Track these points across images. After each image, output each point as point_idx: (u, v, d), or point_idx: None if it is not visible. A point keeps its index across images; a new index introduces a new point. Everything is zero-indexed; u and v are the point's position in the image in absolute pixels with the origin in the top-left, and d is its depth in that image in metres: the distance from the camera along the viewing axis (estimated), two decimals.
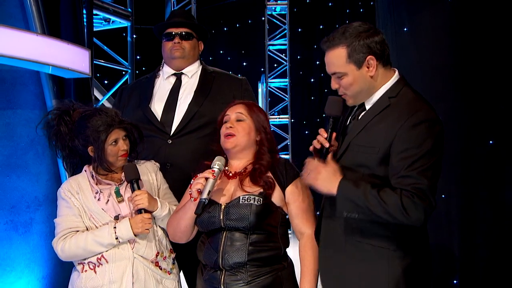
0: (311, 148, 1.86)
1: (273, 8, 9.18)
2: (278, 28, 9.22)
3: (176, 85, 2.51)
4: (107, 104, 5.23)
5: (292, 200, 1.96)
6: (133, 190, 2.00)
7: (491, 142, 2.95)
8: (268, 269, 1.90)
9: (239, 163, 2.01)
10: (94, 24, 4.65)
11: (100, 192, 2.05)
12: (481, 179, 3.02)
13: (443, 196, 3.30)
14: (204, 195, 1.83)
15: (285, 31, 9.15)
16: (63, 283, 3.34)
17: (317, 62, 9.02)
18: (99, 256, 2.00)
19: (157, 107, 2.46)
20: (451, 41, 3.30)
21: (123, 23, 5.63)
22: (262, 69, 9.25)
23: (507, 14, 2.90)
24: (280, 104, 9.17)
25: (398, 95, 1.73)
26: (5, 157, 3.36)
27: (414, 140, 1.62)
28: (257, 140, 2.03)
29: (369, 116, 1.75)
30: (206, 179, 1.85)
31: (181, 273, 2.36)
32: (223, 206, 1.90)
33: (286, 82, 9.13)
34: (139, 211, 1.99)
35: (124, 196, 2.05)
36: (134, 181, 2.01)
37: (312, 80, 9.15)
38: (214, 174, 1.86)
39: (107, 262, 2.00)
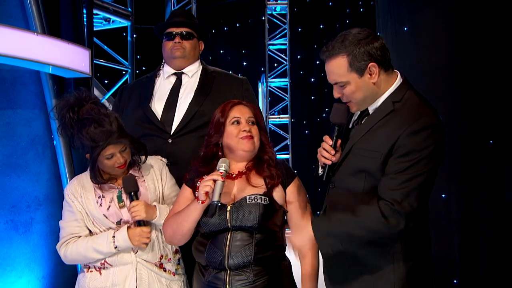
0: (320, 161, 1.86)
1: (273, 8, 9.18)
2: (278, 27, 9.21)
3: (177, 84, 2.51)
4: (107, 104, 5.22)
5: (292, 199, 1.99)
6: (131, 201, 1.99)
7: (491, 141, 2.95)
8: (271, 268, 1.91)
9: (241, 164, 2.02)
10: (94, 24, 4.64)
11: (102, 197, 2.04)
12: (481, 179, 3.02)
13: (443, 195, 3.30)
14: (216, 198, 1.80)
15: (285, 31, 9.15)
16: (63, 282, 3.34)
17: (317, 62, 9.01)
18: (103, 261, 2.01)
19: (158, 106, 2.45)
20: (451, 41, 3.29)
21: (123, 22, 5.62)
22: (262, 69, 9.25)
23: (507, 14, 2.89)
24: (280, 104, 9.17)
25: (402, 99, 1.72)
26: (5, 157, 3.36)
27: (415, 146, 1.62)
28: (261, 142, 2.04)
29: (372, 121, 1.74)
30: (215, 181, 1.83)
31: None
32: (229, 207, 1.90)
33: (286, 81, 9.13)
34: (137, 222, 1.98)
35: (126, 202, 2.03)
36: (133, 193, 1.98)
37: (312, 79, 9.15)
38: (223, 176, 1.84)
39: (111, 266, 2.01)
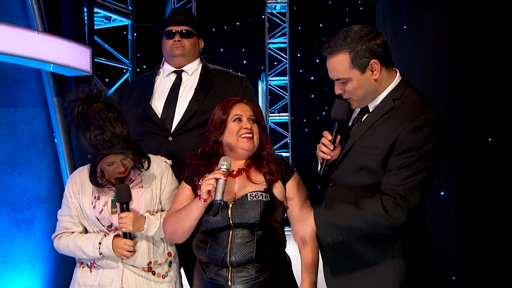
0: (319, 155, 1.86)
1: (273, 7, 9.17)
2: (278, 26, 9.20)
3: (177, 82, 2.51)
4: None
5: (292, 195, 1.99)
6: (121, 211, 1.97)
7: (490, 140, 2.95)
8: (272, 264, 1.91)
9: (240, 162, 2.01)
10: (95, 22, 4.64)
11: (98, 199, 2.03)
12: (480, 177, 3.02)
13: (442, 193, 3.30)
14: (219, 196, 1.80)
15: (285, 30, 9.14)
16: (64, 279, 3.34)
17: (317, 60, 9.00)
18: (92, 260, 2.03)
19: (158, 104, 2.45)
20: (451, 39, 3.29)
21: (123, 21, 5.62)
22: (262, 67, 9.25)
23: (507, 13, 2.89)
24: (280, 102, 9.16)
25: (402, 96, 1.72)
26: (7, 155, 3.36)
27: (416, 142, 1.63)
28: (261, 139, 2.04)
29: (373, 118, 1.74)
30: (217, 180, 1.83)
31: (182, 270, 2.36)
32: (230, 204, 1.90)
33: (286, 80, 9.12)
34: (124, 234, 1.97)
35: (118, 209, 2.00)
36: (124, 204, 1.97)
37: (312, 78, 9.14)
38: (225, 175, 1.84)
39: (100, 266, 2.03)
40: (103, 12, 5.34)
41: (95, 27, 4.75)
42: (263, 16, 9.19)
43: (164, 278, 2.05)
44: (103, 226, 2.01)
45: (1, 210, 3.31)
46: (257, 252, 1.87)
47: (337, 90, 1.77)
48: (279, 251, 1.95)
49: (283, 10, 9.16)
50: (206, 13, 9.43)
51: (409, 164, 1.62)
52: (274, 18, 9.21)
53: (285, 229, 2.03)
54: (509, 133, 2.87)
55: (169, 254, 2.11)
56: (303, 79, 9.26)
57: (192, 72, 2.54)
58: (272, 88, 9.19)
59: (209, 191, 1.82)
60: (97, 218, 2.01)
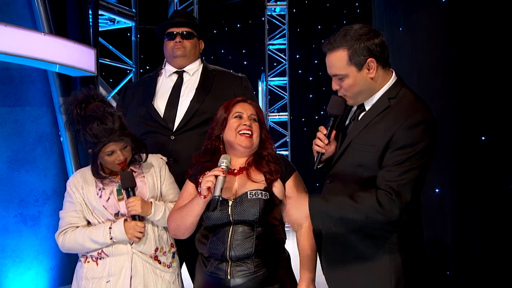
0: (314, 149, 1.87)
1: (273, 9, 9.17)
2: (277, 28, 9.20)
3: (178, 82, 2.50)
4: (112, 102, 5.21)
5: (291, 193, 1.98)
6: (128, 196, 2.00)
7: (483, 138, 2.94)
8: (271, 260, 1.91)
9: (241, 160, 2.01)
10: (99, 24, 4.64)
11: (103, 189, 2.05)
12: (474, 174, 3.02)
13: (437, 190, 3.30)
14: (217, 192, 1.82)
15: (285, 31, 9.14)
16: (70, 274, 3.34)
17: (316, 61, 9.00)
18: (100, 251, 2.02)
19: (160, 104, 2.45)
20: (445, 41, 3.29)
21: (127, 23, 5.62)
22: (262, 68, 9.25)
23: (500, 15, 2.89)
24: (280, 102, 9.17)
25: (397, 96, 1.73)
26: (15, 153, 3.37)
27: (410, 140, 1.63)
28: (262, 138, 2.04)
29: (369, 117, 1.74)
30: (216, 177, 1.84)
31: (184, 265, 2.37)
32: (231, 202, 1.90)
33: (285, 80, 9.12)
34: (133, 217, 2.00)
35: (124, 196, 2.03)
36: (130, 189, 2.00)
37: (310, 78, 9.14)
38: (224, 172, 1.85)
39: (107, 256, 2.02)
40: (107, 14, 5.34)
41: (100, 29, 4.75)
42: (263, 18, 9.19)
43: (168, 268, 2.07)
44: (110, 214, 2.03)
45: (9, 207, 3.32)
46: (256, 247, 1.87)
47: (334, 86, 1.78)
48: (278, 247, 1.95)
49: (282, 13, 9.16)
50: (207, 15, 9.43)
51: (403, 161, 1.62)
52: (274, 20, 9.21)
53: (285, 225, 2.04)
54: (502, 132, 2.87)
55: (172, 245, 2.13)
56: (302, 80, 9.26)
57: (193, 72, 2.53)
58: (272, 88, 9.19)
59: (209, 188, 1.84)
60: (104, 207, 2.02)
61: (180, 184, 2.18)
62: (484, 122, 2.95)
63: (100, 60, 4.33)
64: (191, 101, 2.42)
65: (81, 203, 2.05)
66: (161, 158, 2.19)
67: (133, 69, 5.74)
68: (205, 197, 1.85)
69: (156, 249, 2.05)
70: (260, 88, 8.83)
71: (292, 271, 2.00)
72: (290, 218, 1.79)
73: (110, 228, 1.99)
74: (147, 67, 8.23)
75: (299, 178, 2.03)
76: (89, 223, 2.06)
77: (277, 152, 2.11)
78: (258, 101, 7.31)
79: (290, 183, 1.98)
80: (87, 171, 2.10)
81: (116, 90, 5.44)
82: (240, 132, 1.97)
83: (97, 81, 3.96)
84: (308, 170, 1.86)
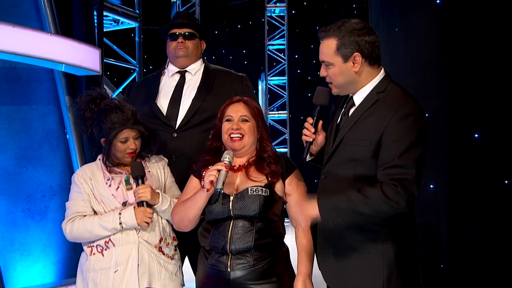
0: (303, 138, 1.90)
1: (272, 10, 9.15)
2: (277, 29, 9.19)
3: (181, 82, 2.51)
4: None
5: (291, 191, 1.99)
6: (137, 184, 2.04)
7: (476, 136, 2.95)
8: (270, 253, 1.92)
9: (241, 159, 2.02)
10: (104, 25, 4.63)
11: (112, 179, 2.08)
12: (468, 170, 3.02)
13: (431, 186, 3.30)
14: (219, 185, 1.84)
15: (284, 32, 9.13)
16: (76, 267, 3.35)
17: (314, 61, 8.98)
18: (107, 239, 2.02)
19: (163, 102, 2.45)
20: (440, 41, 3.29)
21: (131, 24, 5.61)
22: (262, 68, 9.24)
23: (492, 15, 2.89)
24: (279, 101, 9.16)
25: (386, 90, 1.74)
26: (22, 150, 3.37)
27: (402, 132, 1.63)
28: (258, 137, 2.04)
29: (359, 112, 1.75)
30: (219, 171, 1.86)
31: (186, 259, 2.37)
32: (232, 197, 1.92)
33: (285, 79, 9.12)
34: (141, 203, 2.01)
35: (132, 186, 2.06)
36: (140, 177, 2.03)
37: (309, 78, 9.13)
38: (226, 167, 1.87)
39: (114, 245, 2.02)
40: (112, 15, 5.34)
41: (104, 30, 4.74)
42: (263, 19, 9.18)
43: (171, 259, 2.09)
44: (118, 202, 2.05)
45: (17, 202, 3.32)
46: (255, 241, 1.88)
47: (322, 72, 1.80)
48: (277, 242, 1.96)
49: (282, 14, 9.14)
50: (209, 16, 9.42)
51: (401, 154, 1.61)
52: (273, 21, 9.20)
53: (284, 221, 2.04)
54: (494, 129, 2.87)
55: (174, 238, 2.15)
56: (301, 79, 9.25)
57: (195, 72, 2.54)
58: (271, 87, 9.18)
59: (211, 182, 1.86)
60: (113, 196, 2.05)
61: (182, 179, 2.20)
62: (477, 120, 2.95)
63: (104, 60, 4.33)
64: (193, 100, 2.42)
65: (89, 193, 2.06)
66: (164, 159, 2.24)
67: (137, 69, 5.74)
68: (207, 190, 1.87)
69: (161, 240, 2.07)
70: (260, 87, 8.83)
71: (291, 264, 2.00)
72: (298, 216, 1.78)
73: (120, 214, 2.00)
74: (150, 67, 8.22)
75: (299, 176, 2.03)
76: (95, 213, 2.07)
77: (277, 149, 2.12)
78: (258, 99, 7.31)
79: (289, 180, 1.99)
80: (93, 165, 2.13)
81: (120, 89, 5.44)
82: (230, 135, 1.99)
83: (102, 80, 3.96)
84: (307, 168, 1.86)
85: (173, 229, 2.14)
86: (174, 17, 2.66)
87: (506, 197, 2.75)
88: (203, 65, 2.57)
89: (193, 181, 2.05)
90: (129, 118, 2.03)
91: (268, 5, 9.02)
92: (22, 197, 3.34)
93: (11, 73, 3.37)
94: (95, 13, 4.03)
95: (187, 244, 2.26)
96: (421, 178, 1.66)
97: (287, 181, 1.99)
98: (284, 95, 9.08)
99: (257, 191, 1.90)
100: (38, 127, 3.47)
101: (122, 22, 5.59)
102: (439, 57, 3.28)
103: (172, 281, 2.06)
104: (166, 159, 2.24)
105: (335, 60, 1.73)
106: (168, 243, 2.10)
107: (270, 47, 9.21)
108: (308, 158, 1.93)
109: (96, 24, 4.03)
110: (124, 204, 2.05)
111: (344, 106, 1.85)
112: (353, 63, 1.72)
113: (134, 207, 2.02)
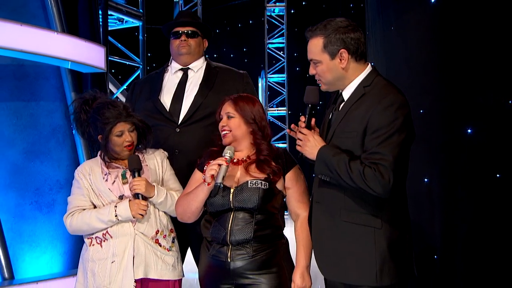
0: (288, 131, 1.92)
1: (272, 10, 9.13)
2: (276, 28, 9.17)
3: (183, 79, 2.50)
4: (121, 97, 5.22)
5: (291, 185, 1.99)
6: (134, 177, 2.04)
7: (469, 131, 2.95)
8: (269, 245, 1.93)
9: (240, 153, 2.03)
10: (109, 24, 4.62)
11: (108, 174, 2.09)
12: (461, 165, 3.02)
13: (426, 180, 3.30)
14: (220, 179, 1.85)
15: (283, 31, 9.11)
16: None
17: None
18: (105, 232, 2.04)
19: (166, 99, 2.45)
20: (434, 40, 3.28)
21: (135, 23, 5.60)
22: (262, 65, 9.23)
23: (486, 14, 2.88)
24: (278, 97, 9.16)
25: (372, 83, 1.75)
26: (30, 144, 3.37)
27: (385, 121, 1.64)
28: (250, 131, 2.03)
29: (347, 106, 1.77)
30: (219, 165, 1.87)
31: (189, 251, 2.38)
32: (232, 190, 1.93)
33: (284, 77, 9.11)
34: (136, 196, 2.02)
35: (128, 179, 2.07)
36: (136, 170, 2.03)
37: (307, 75, 9.12)
38: (227, 162, 1.88)
39: (111, 237, 2.04)
40: (116, 14, 5.32)
41: (109, 28, 4.73)
42: (263, 19, 9.16)
43: (168, 251, 2.09)
44: (115, 196, 2.06)
45: (26, 195, 3.33)
46: (254, 233, 1.89)
47: (311, 70, 1.82)
48: (276, 234, 1.96)
49: (281, 13, 9.12)
50: (210, 15, 9.39)
51: (382, 141, 1.63)
52: (273, 20, 9.18)
53: (284, 214, 2.05)
54: (486, 125, 2.87)
55: (172, 230, 2.14)
56: (300, 76, 9.24)
57: (197, 69, 2.53)
58: (271, 85, 9.18)
59: (212, 176, 1.87)
60: (109, 190, 2.06)
61: (184, 172, 2.20)
62: (470, 116, 2.95)
63: (109, 58, 4.32)
64: (195, 96, 2.42)
65: (88, 188, 2.08)
66: (163, 152, 2.23)
67: (141, 66, 5.73)
68: (208, 184, 1.88)
69: (157, 232, 2.07)
70: (260, 85, 8.83)
71: (290, 256, 2.00)
72: (303, 152, 1.80)
73: (115, 206, 2.02)
74: (154, 65, 8.21)
75: (299, 171, 2.03)
76: (95, 207, 2.09)
77: (276, 145, 2.12)
78: (258, 96, 7.30)
79: (289, 175, 1.99)
80: (93, 161, 2.16)
81: (124, 86, 5.44)
82: (222, 133, 2.03)
83: (107, 78, 3.95)
84: (305, 162, 1.86)
85: (171, 222, 2.14)
86: (178, 16, 2.65)
87: (498, 190, 2.76)
88: (205, 62, 2.57)
89: (196, 175, 2.06)
90: (121, 112, 2.04)
91: (268, 5, 9.00)
92: (30, 190, 3.35)
93: (19, 70, 3.37)
94: (100, 12, 4.02)
95: (188, 236, 2.27)
96: (403, 167, 1.67)
97: (287, 176, 1.99)
98: (283, 92, 9.07)
99: (256, 184, 1.91)
100: (46, 123, 3.47)
101: (126, 21, 5.58)
102: (434, 55, 3.27)
103: (169, 272, 2.06)
104: (166, 153, 2.24)
105: (323, 58, 1.74)
106: (165, 235, 2.09)
107: (270, 46, 9.19)
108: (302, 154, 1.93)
109: (101, 23, 4.02)
110: (121, 197, 2.06)
111: (337, 102, 1.86)
112: (340, 59, 1.73)
113: (130, 200, 2.03)
